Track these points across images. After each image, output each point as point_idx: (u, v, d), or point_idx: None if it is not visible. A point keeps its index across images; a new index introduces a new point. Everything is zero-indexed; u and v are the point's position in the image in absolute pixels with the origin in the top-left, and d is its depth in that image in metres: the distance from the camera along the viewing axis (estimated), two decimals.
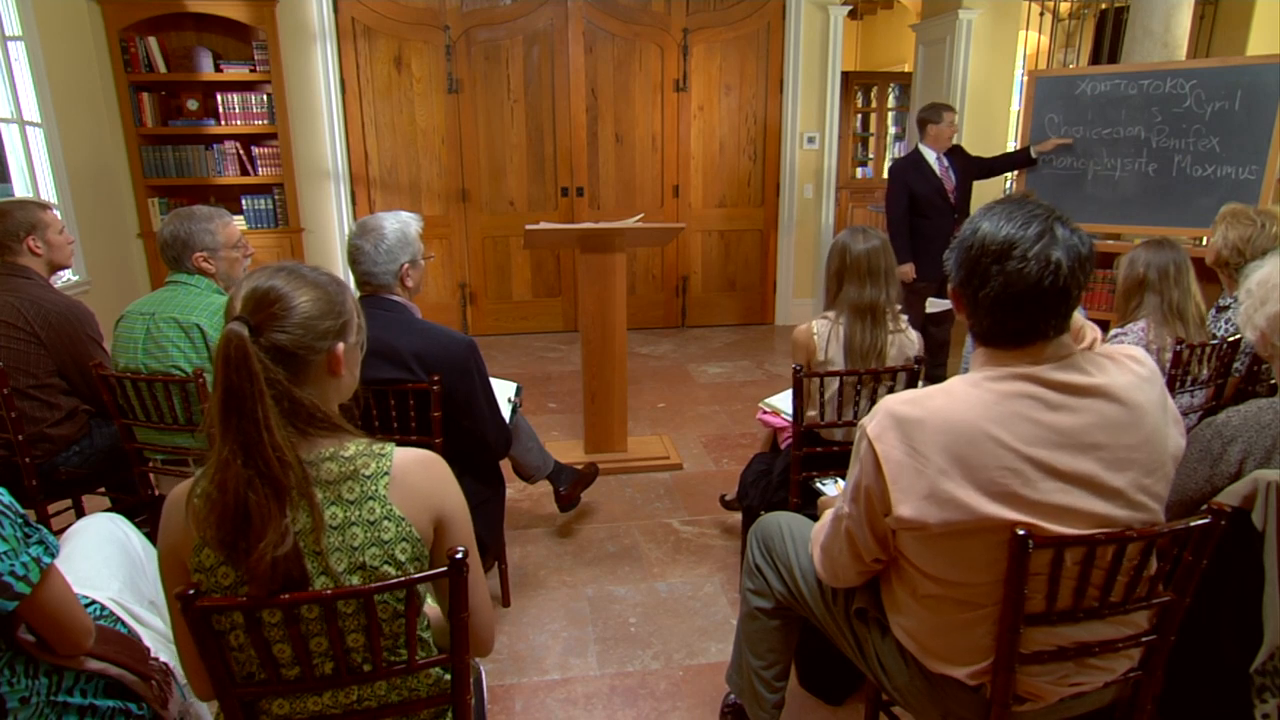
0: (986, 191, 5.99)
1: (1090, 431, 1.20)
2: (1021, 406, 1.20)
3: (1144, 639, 1.33)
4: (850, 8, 5.82)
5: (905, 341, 2.36)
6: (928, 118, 4.45)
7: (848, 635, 1.55)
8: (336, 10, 5.31)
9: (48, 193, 4.19)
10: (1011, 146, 6.48)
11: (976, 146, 6.07)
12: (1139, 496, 1.23)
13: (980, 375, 1.25)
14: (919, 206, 4.44)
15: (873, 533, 1.32)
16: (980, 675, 1.30)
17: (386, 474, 1.13)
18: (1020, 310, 1.19)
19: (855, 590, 1.51)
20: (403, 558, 1.12)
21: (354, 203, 5.63)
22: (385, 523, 1.11)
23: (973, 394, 1.23)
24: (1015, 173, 4.86)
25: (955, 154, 4.54)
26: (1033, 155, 4.55)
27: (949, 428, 1.19)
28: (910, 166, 4.49)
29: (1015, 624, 1.23)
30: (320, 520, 1.08)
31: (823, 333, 2.36)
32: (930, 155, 4.46)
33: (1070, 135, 4.48)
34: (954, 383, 1.27)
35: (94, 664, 1.31)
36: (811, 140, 5.96)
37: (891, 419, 1.23)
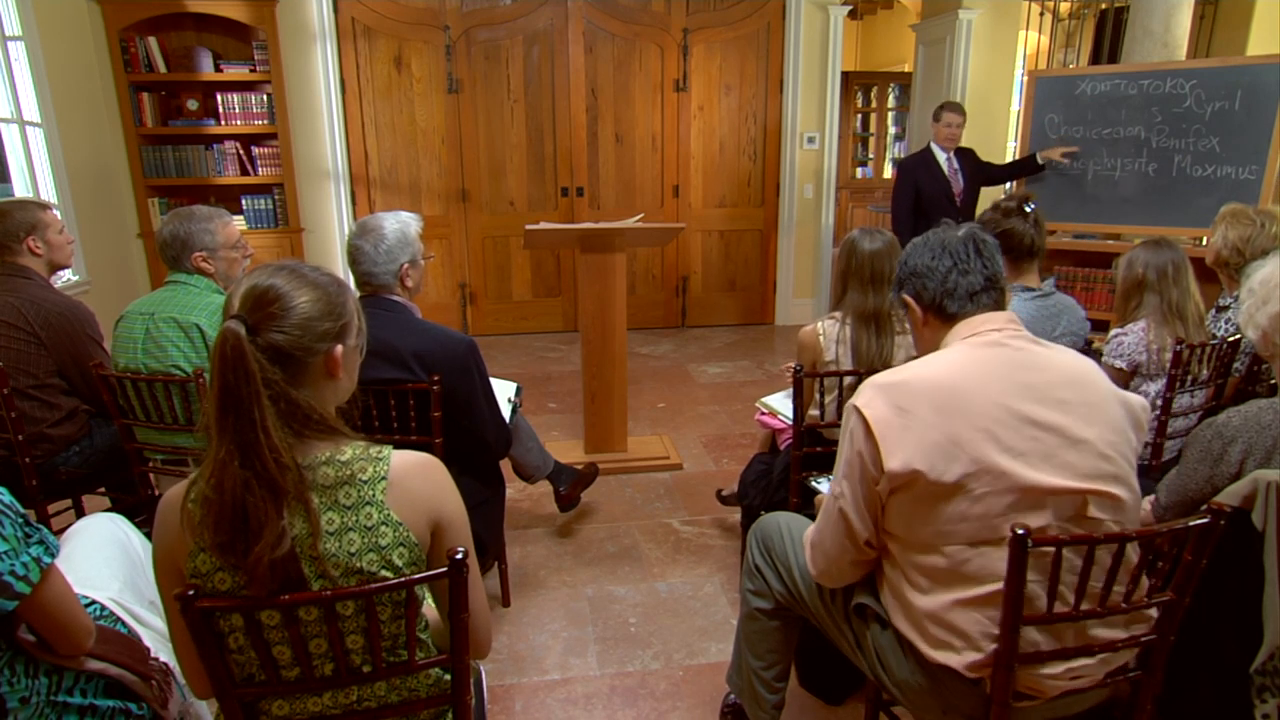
0: (989, 192, 5.99)
1: (1056, 388, 1.32)
2: (994, 361, 1.34)
3: (1144, 639, 1.33)
4: (850, 8, 5.82)
5: (910, 344, 2.36)
6: (933, 116, 4.46)
7: (847, 633, 1.55)
8: (336, 10, 5.31)
9: (48, 193, 4.19)
10: (1011, 146, 6.49)
11: (977, 146, 6.07)
12: (1107, 450, 1.31)
13: (954, 343, 1.41)
14: (924, 206, 4.43)
15: (866, 506, 1.36)
16: (978, 668, 1.30)
17: (384, 479, 1.13)
18: (955, 260, 1.43)
19: (854, 587, 1.52)
20: (400, 563, 1.12)
21: (354, 203, 5.63)
22: (383, 528, 1.11)
23: (948, 355, 1.39)
24: None
25: (965, 156, 4.53)
26: (1039, 161, 4.52)
27: (931, 384, 1.32)
28: (919, 164, 4.49)
29: (1015, 624, 1.23)
30: (317, 525, 1.07)
31: (829, 334, 2.35)
32: (940, 155, 4.45)
33: (1069, 135, 4.47)
34: (930, 354, 1.43)
35: (94, 664, 1.30)
36: (811, 140, 5.96)
37: (876, 388, 1.35)
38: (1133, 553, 1.32)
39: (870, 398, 1.33)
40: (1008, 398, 1.29)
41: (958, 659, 1.31)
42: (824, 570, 1.51)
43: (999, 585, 1.25)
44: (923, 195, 4.43)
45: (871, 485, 1.34)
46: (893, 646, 1.44)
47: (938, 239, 1.47)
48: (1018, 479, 1.26)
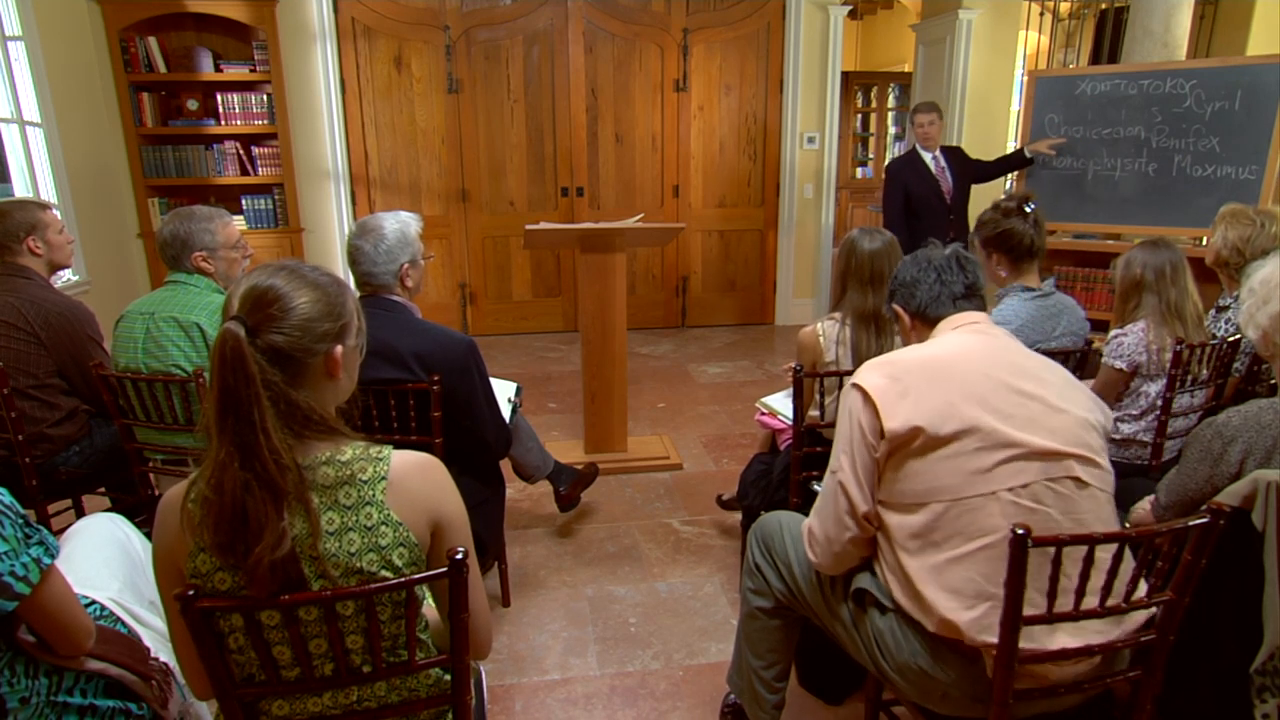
0: (986, 192, 5.99)
1: (1034, 370, 1.44)
2: (979, 342, 1.48)
3: (1144, 639, 1.34)
4: (850, 8, 5.82)
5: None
6: (908, 119, 4.52)
7: (846, 623, 1.56)
8: (336, 10, 5.31)
9: (48, 193, 4.19)
10: (1011, 147, 6.49)
11: (977, 146, 6.07)
12: (1084, 424, 1.40)
13: (940, 334, 1.55)
14: (914, 207, 4.47)
15: (865, 476, 1.43)
16: (976, 628, 1.32)
17: (384, 479, 1.12)
18: (939, 273, 1.58)
19: (853, 573, 1.54)
20: (400, 563, 1.12)
21: (354, 203, 5.63)
22: (383, 528, 1.11)
23: (937, 341, 1.54)
24: (1015, 173, 4.86)
25: (953, 155, 4.55)
26: (1027, 155, 4.54)
27: (923, 359, 1.46)
28: (907, 165, 4.52)
29: (1015, 624, 1.23)
30: (317, 526, 1.07)
31: (829, 335, 2.35)
32: (926, 155, 4.48)
33: (1069, 135, 4.48)
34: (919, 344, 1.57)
35: (94, 664, 1.30)
36: (811, 140, 5.96)
37: (870, 366, 1.47)
38: (1130, 557, 1.33)
39: (866, 374, 1.45)
40: (993, 369, 1.41)
41: (955, 618, 1.33)
42: (823, 551, 1.52)
43: (990, 539, 1.32)
44: (912, 196, 4.48)
45: (870, 453, 1.41)
46: (892, 629, 1.45)
47: (924, 256, 1.62)
48: (1007, 437, 1.34)
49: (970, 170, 4.59)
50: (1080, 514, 1.36)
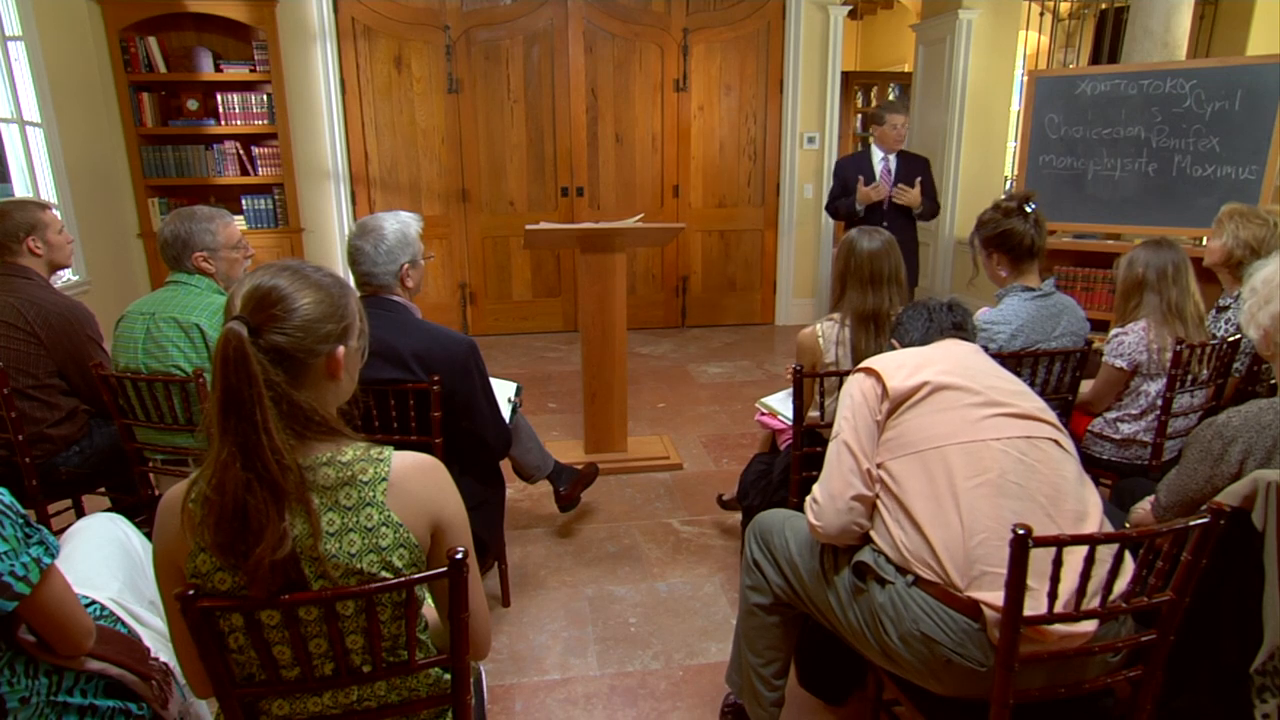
0: (984, 194, 6.00)
1: (1007, 375, 1.63)
2: (957, 347, 1.67)
3: (1144, 638, 1.34)
4: (850, 8, 5.82)
5: None
6: (873, 117, 4.48)
7: (844, 600, 1.57)
8: (336, 10, 5.31)
9: (48, 193, 4.19)
10: (1012, 146, 6.49)
11: (976, 146, 6.09)
12: (1040, 403, 1.57)
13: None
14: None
15: (865, 435, 1.55)
16: (974, 554, 1.36)
17: (384, 480, 1.12)
18: (930, 313, 1.80)
19: (853, 550, 1.57)
20: (400, 564, 1.12)
21: (354, 203, 5.63)
22: (383, 529, 1.11)
23: (924, 346, 1.71)
24: (1015, 172, 4.85)
25: (911, 163, 4.40)
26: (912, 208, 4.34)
27: (909, 354, 1.64)
28: (857, 161, 4.52)
29: (1015, 624, 1.23)
30: (317, 526, 1.07)
31: (828, 336, 2.35)
32: (877, 154, 4.44)
33: (1070, 136, 4.47)
34: None
35: (94, 664, 1.30)
36: (811, 140, 5.96)
37: (871, 359, 1.64)
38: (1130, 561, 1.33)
39: (867, 362, 1.63)
40: (969, 361, 1.61)
41: (973, 536, 1.38)
42: (828, 511, 1.55)
43: (986, 477, 1.42)
44: (849, 192, 4.47)
45: (871, 415, 1.56)
46: (892, 600, 1.46)
47: (923, 302, 1.83)
48: (992, 398, 1.52)
49: (918, 186, 4.39)
50: (1064, 473, 1.46)
